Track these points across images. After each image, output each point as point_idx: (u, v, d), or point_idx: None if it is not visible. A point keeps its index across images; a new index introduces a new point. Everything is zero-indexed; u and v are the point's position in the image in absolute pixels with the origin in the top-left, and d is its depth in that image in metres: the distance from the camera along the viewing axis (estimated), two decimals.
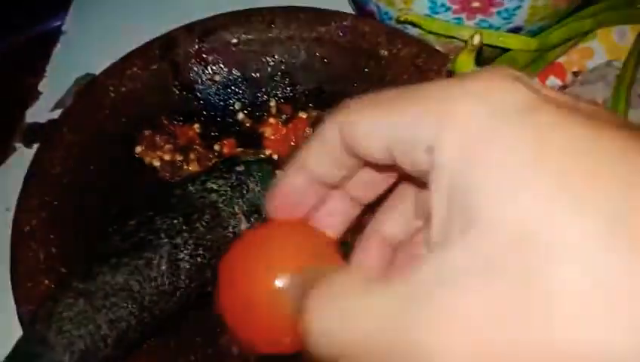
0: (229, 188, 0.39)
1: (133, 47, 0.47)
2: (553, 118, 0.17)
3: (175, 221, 0.36)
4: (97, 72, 0.52)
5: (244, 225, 0.39)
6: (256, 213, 0.40)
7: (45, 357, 0.29)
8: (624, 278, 0.14)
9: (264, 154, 0.45)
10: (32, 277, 0.36)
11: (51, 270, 0.37)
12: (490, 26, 0.42)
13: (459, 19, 0.42)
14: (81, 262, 0.38)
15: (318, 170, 0.23)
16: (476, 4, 0.41)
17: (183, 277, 0.35)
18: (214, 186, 0.39)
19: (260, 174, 0.41)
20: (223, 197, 0.39)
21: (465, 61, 0.37)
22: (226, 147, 0.46)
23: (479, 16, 0.42)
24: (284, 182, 0.24)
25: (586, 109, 0.18)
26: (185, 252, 0.35)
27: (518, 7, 0.41)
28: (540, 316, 0.15)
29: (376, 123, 0.20)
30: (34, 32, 0.73)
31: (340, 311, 0.18)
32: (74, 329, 0.30)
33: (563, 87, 0.48)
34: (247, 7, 0.48)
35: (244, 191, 0.40)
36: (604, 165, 0.16)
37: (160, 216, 0.36)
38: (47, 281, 0.36)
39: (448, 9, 0.42)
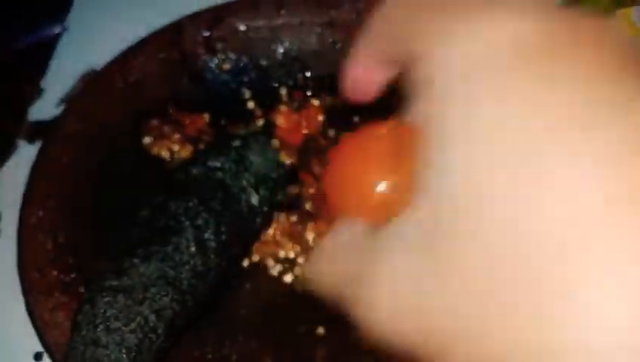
0: (232, 164, 0.38)
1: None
2: None
3: (190, 203, 0.35)
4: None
5: (254, 198, 0.38)
6: (264, 183, 0.39)
7: (102, 359, 0.28)
8: None
9: (256, 125, 0.43)
10: (40, 268, 0.35)
11: (59, 260, 0.35)
12: None
13: None
14: (89, 252, 0.36)
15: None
16: None
17: (212, 256, 0.34)
18: (217, 164, 0.38)
19: (258, 146, 0.40)
20: (229, 174, 0.37)
21: None
22: None
23: None
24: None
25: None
26: (209, 232, 0.34)
27: None
28: None
29: None
30: (33, 40, 0.72)
31: None
32: (123, 325, 0.29)
33: None
34: None
35: (247, 165, 0.38)
36: None
37: (174, 201, 0.34)
38: (55, 272, 0.35)
39: None
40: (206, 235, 0.33)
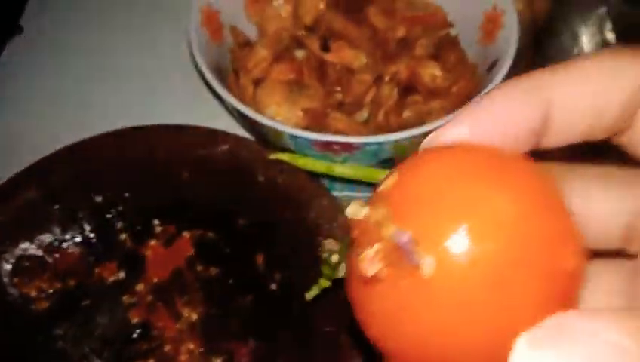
0: (77, 329, 0.40)
1: (38, 151, 0.48)
2: None
3: None
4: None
5: None
6: (110, 345, 0.40)
7: None
8: None
9: (107, 280, 0.45)
10: None
11: None
12: (360, 161, 0.42)
13: (325, 156, 0.42)
14: None
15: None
16: (336, 147, 0.40)
17: None
18: (60, 331, 0.39)
19: (107, 305, 0.42)
20: (71, 342, 0.39)
21: None
22: (107, 271, 0.46)
23: (344, 154, 0.42)
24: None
25: None
26: None
27: (380, 149, 0.40)
28: None
29: None
30: None
31: None
32: None
33: None
34: (131, 125, 0.48)
35: (92, 328, 0.40)
36: None
37: None
38: None
39: (312, 148, 0.41)
40: None
